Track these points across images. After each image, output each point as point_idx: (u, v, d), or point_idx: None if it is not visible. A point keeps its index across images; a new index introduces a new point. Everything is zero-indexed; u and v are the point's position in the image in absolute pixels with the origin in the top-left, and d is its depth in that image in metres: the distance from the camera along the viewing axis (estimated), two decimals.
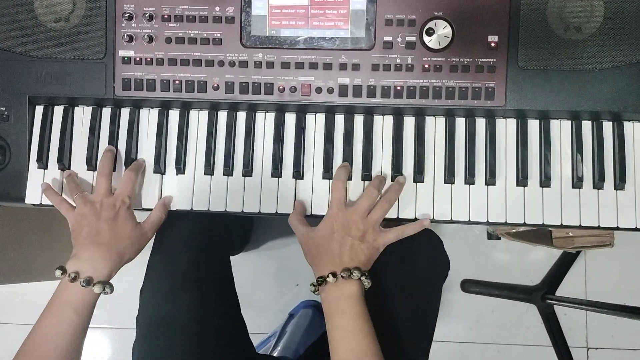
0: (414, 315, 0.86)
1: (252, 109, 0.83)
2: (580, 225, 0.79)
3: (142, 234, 0.79)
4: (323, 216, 0.80)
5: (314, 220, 0.80)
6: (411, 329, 0.85)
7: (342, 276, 0.72)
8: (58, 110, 0.84)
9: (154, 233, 0.81)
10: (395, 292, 0.85)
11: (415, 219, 0.80)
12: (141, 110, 0.84)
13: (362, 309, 0.72)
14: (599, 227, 0.79)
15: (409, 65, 0.79)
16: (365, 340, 0.70)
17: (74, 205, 0.79)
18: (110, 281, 0.76)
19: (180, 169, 0.83)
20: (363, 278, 0.73)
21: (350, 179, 0.81)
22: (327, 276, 0.72)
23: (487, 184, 0.80)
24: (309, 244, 0.77)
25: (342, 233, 0.74)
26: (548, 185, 0.79)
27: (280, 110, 0.83)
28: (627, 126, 0.80)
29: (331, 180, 0.81)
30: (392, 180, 0.81)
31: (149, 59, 0.81)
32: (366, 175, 0.81)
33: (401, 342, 0.80)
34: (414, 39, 0.79)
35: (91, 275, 0.73)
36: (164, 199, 0.82)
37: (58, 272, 0.74)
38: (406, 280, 0.87)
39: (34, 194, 0.83)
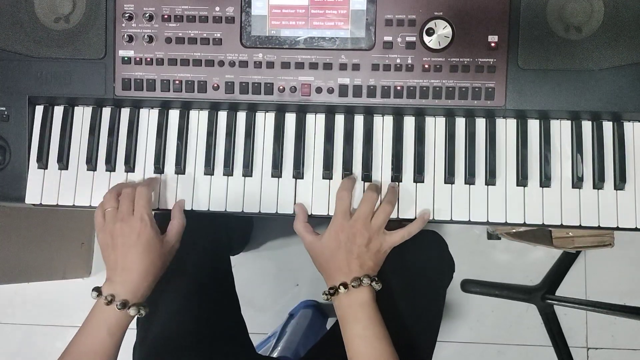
0: (419, 317, 0.86)
1: (252, 109, 0.83)
2: (580, 225, 0.79)
3: (169, 248, 0.79)
4: (323, 216, 0.80)
5: (314, 220, 0.80)
6: (415, 330, 0.85)
7: (353, 285, 0.73)
8: (58, 110, 0.84)
9: (179, 240, 0.81)
10: (400, 295, 0.85)
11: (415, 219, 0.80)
12: (141, 110, 0.84)
13: (375, 313, 0.74)
14: (599, 227, 0.79)
15: (409, 65, 0.79)
16: (380, 344, 0.72)
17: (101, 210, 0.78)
18: (144, 302, 0.76)
19: (180, 169, 0.83)
20: (373, 283, 0.74)
21: None
22: (339, 287, 0.74)
23: (487, 184, 0.80)
24: (316, 253, 0.77)
25: (349, 243, 0.75)
26: (548, 185, 0.79)
27: (280, 110, 0.83)
28: (627, 126, 0.80)
29: (331, 181, 0.81)
30: (392, 180, 0.80)
31: (149, 59, 0.81)
32: (366, 176, 0.81)
33: (406, 344, 0.81)
34: (414, 39, 0.79)
35: (127, 298, 0.74)
36: (179, 203, 0.81)
37: (94, 294, 0.74)
38: (411, 282, 0.87)
39: (34, 194, 0.83)
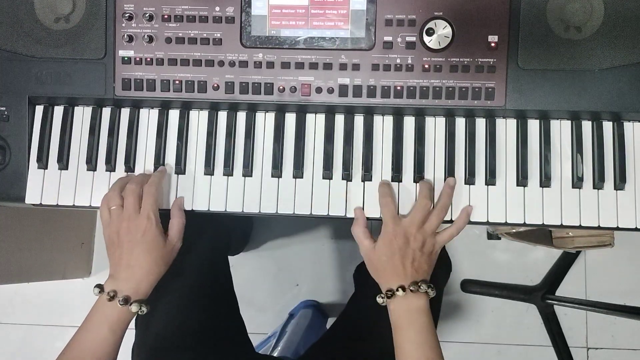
0: None
1: (252, 109, 0.83)
2: (580, 225, 0.79)
3: (171, 247, 0.79)
4: (324, 216, 0.80)
5: (316, 220, 0.80)
6: None
7: (411, 289, 0.74)
8: (58, 110, 0.84)
9: (181, 239, 0.80)
10: None
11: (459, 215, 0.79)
12: (141, 110, 0.84)
13: (430, 321, 0.74)
14: (599, 227, 0.79)
15: (409, 65, 0.79)
16: (432, 353, 0.72)
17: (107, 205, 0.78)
18: (146, 300, 0.76)
19: (180, 169, 0.83)
20: (429, 290, 0.75)
21: (350, 180, 0.81)
22: (397, 290, 0.74)
23: (487, 184, 0.80)
24: (372, 259, 0.78)
25: (403, 248, 0.75)
26: (548, 185, 0.79)
27: (280, 110, 0.83)
28: (627, 126, 0.80)
29: (331, 181, 0.81)
30: (392, 180, 0.80)
31: (149, 59, 0.81)
32: (366, 176, 0.81)
33: None
34: (414, 39, 0.79)
35: (129, 294, 0.74)
36: (177, 201, 0.81)
37: (96, 290, 0.75)
38: None
39: (34, 194, 0.83)
